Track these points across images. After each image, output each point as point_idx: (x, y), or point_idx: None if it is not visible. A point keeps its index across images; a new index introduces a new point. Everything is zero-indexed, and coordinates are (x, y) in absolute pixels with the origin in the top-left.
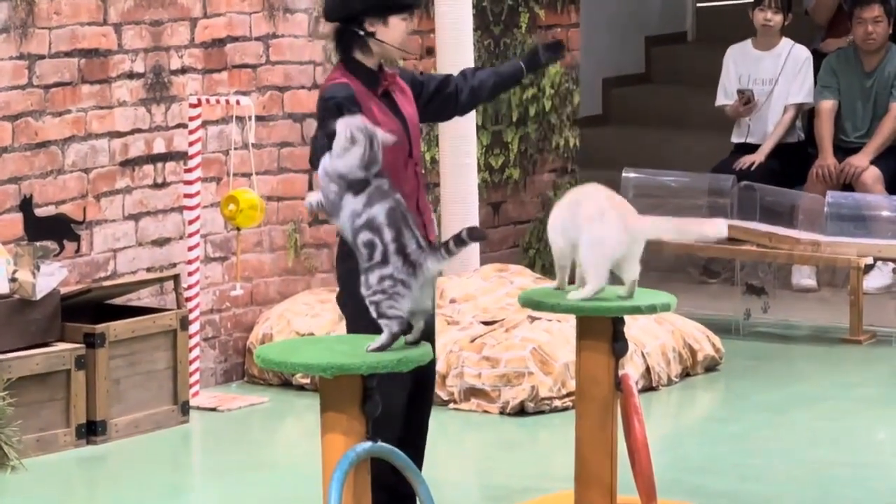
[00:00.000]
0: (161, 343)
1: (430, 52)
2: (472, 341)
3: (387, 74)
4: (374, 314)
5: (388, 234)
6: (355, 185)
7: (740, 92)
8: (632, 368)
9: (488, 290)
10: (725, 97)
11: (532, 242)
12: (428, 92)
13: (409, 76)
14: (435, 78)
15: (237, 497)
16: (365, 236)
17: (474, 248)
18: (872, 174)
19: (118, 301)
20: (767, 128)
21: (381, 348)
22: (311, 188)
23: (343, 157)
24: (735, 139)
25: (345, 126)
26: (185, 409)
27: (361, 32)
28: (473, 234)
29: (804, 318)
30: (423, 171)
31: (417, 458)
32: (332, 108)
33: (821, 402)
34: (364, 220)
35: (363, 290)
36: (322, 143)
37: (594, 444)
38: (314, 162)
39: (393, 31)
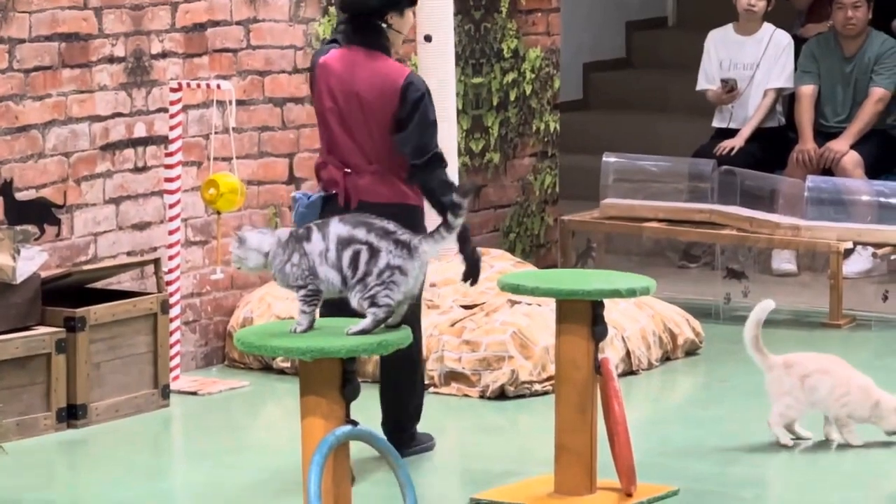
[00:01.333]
0: (142, 327)
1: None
2: (453, 325)
3: None
4: (366, 306)
5: (360, 233)
6: (292, 240)
7: (724, 81)
8: (612, 352)
9: None
10: (707, 82)
11: (512, 227)
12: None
13: None
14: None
15: (218, 481)
16: (346, 255)
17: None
18: (852, 159)
19: (99, 285)
20: (748, 113)
21: (363, 332)
22: (291, 173)
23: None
24: (716, 124)
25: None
26: (165, 392)
27: (384, 24)
28: (463, 190)
29: (784, 302)
30: None
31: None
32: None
33: None
34: (334, 244)
35: (359, 298)
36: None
37: (574, 428)
38: (431, 149)
39: (406, 22)
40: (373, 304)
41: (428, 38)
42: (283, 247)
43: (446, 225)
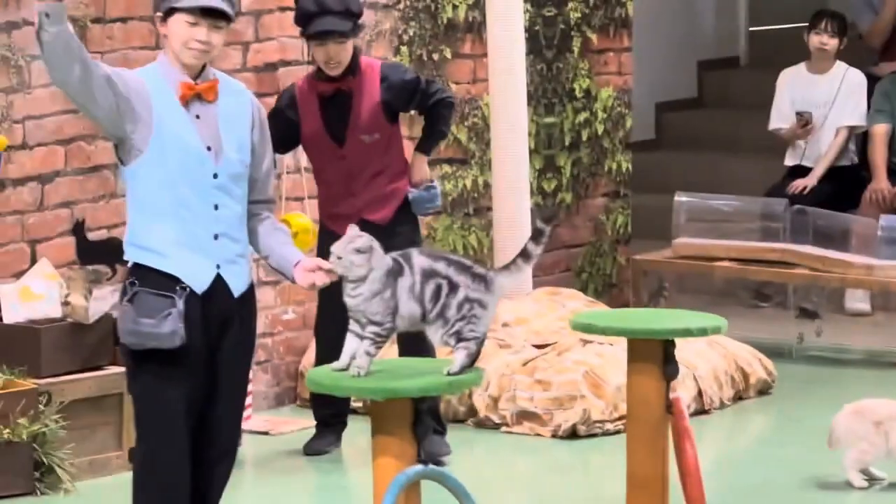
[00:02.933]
0: None
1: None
2: (525, 364)
3: None
4: (452, 343)
5: (440, 267)
6: (392, 274)
7: (799, 115)
8: (684, 392)
9: (541, 313)
10: (779, 121)
11: (584, 266)
12: None
13: None
14: None
15: None
16: (429, 288)
17: (527, 273)
18: None
19: None
20: (821, 151)
21: (462, 370)
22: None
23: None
24: (789, 162)
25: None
26: None
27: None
28: (546, 218)
29: (857, 342)
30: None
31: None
32: None
33: None
34: (419, 276)
35: (442, 334)
36: None
37: (645, 468)
38: None
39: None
40: (460, 339)
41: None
42: (385, 276)
43: (525, 254)
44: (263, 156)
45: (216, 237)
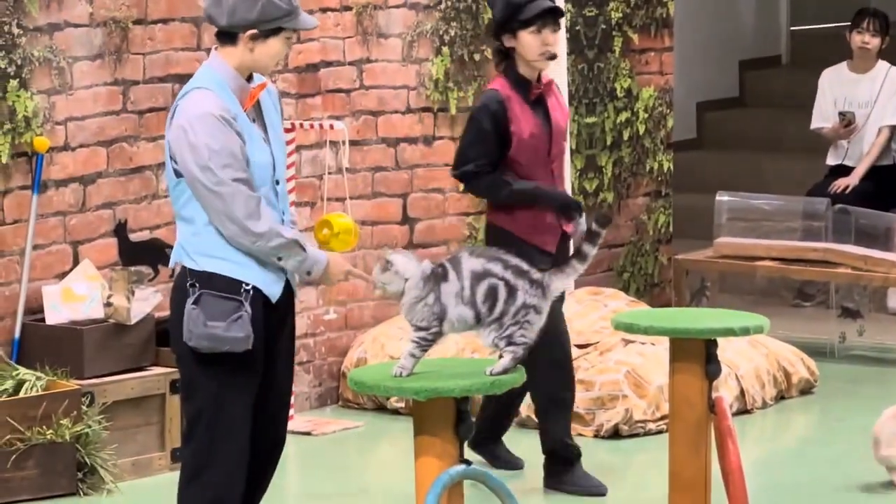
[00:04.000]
0: None
1: None
2: None
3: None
4: (502, 345)
5: (496, 268)
6: (433, 278)
7: (842, 114)
8: (726, 391)
9: (582, 313)
10: (821, 120)
11: (626, 266)
12: None
13: None
14: None
15: None
16: (481, 289)
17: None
18: None
19: None
20: (863, 150)
21: (504, 371)
22: (405, 213)
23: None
24: (831, 161)
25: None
26: None
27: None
28: (601, 221)
29: None
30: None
31: None
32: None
33: None
34: (469, 280)
35: (494, 337)
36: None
37: (688, 468)
38: (466, 162)
39: (521, 42)
40: (510, 343)
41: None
42: (424, 281)
43: (580, 255)
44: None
45: None
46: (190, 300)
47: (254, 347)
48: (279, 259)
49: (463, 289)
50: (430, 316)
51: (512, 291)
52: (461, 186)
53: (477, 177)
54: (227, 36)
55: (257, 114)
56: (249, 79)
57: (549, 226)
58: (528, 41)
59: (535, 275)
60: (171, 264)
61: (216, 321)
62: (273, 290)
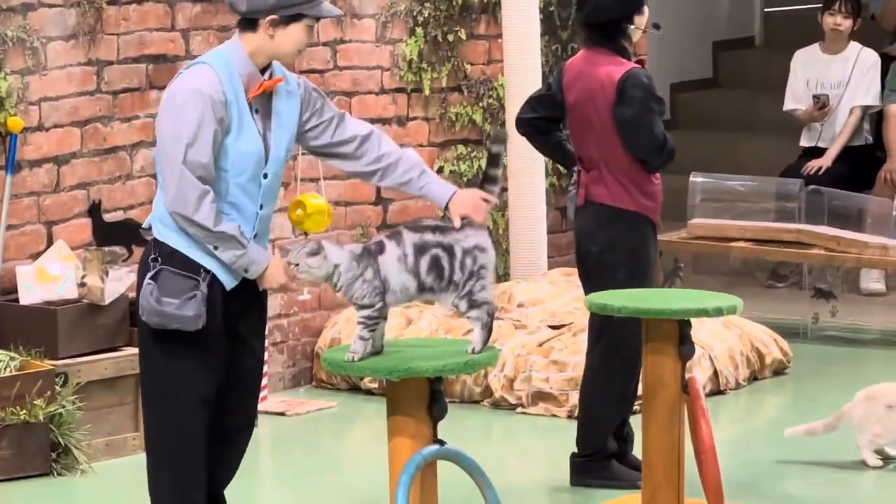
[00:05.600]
0: None
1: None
2: (540, 345)
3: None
4: (464, 307)
5: (429, 237)
6: (366, 255)
7: (815, 97)
8: (699, 372)
9: (556, 294)
10: (794, 102)
11: None
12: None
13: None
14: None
15: (306, 501)
16: (424, 261)
17: (542, 254)
18: None
19: None
20: (836, 131)
21: (484, 345)
22: (379, 194)
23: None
24: (804, 143)
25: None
26: None
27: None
28: (496, 138)
29: (873, 322)
30: None
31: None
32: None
33: None
34: (410, 249)
35: (454, 297)
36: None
37: (661, 448)
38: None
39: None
40: (472, 304)
41: (657, 27)
42: (357, 260)
43: (489, 179)
44: (323, 109)
45: (255, 237)
46: (149, 275)
47: (212, 328)
48: (216, 248)
49: (406, 256)
50: (371, 292)
51: (448, 249)
52: (437, 167)
53: (673, 149)
54: (247, 22)
55: (263, 107)
56: (266, 69)
57: (660, 201)
58: (641, 24)
59: (467, 223)
60: (145, 224)
61: (171, 298)
62: (228, 277)
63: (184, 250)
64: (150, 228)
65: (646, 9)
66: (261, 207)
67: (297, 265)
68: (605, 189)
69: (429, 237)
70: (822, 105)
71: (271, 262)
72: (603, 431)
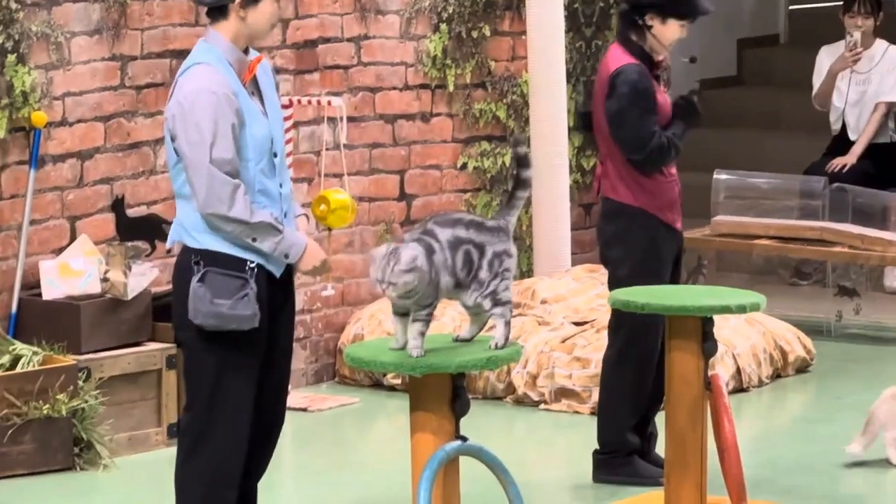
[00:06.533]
0: None
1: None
2: (563, 342)
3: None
4: (488, 305)
5: (461, 232)
6: (429, 257)
7: (849, 35)
8: (722, 369)
9: (579, 290)
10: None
11: None
12: None
13: None
14: None
15: (328, 497)
16: (459, 257)
17: (566, 250)
18: None
19: None
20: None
21: (507, 341)
22: (402, 189)
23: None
24: (835, 126)
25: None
26: None
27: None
28: (518, 142)
29: None
30: None
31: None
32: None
33: None
34: (447, 248)
35: (477, 295)
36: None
37: (684, 445)
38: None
39: (668, 30)
40: (496, 302)
41: (693, 60)
42: (427, 265)
43: (522, 184)
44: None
45: (285, 215)
46: (195, 278)
47: (261, 326)
48: (254, 240)
49: (446, 259)
50: (433, 292)
51: (480, 248)
52: (461, 163)
53: (665, 148)
54: (217, 11)
55: (255, 87)
56: (246, 52)
57: (676, 202)
58: (672, 30)
59: (490, 223)
60: (169, 244)
61: (222, 299)
62: (274, 266)
63: (225, 250)
64: (174, 245)
65: (674, 22)
66: (281, 186)
67: (394, 284)
68: (610, 183)
69: (461, 233)
70: (854, 44)
71: (308, 242)
72: (618, 427)
